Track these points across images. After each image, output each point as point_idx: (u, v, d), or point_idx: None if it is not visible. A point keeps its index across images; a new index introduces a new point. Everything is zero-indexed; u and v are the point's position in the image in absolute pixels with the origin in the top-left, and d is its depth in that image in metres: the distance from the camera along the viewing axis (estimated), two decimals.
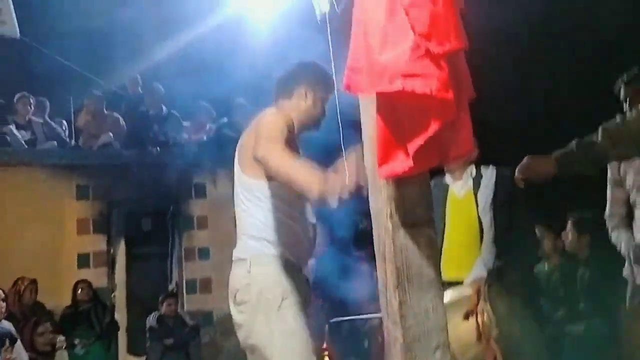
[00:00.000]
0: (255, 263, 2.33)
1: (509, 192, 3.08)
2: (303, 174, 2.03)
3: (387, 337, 1.90)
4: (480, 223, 3.13)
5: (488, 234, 3.06)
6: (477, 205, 3.17)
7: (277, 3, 2.35)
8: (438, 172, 3.27)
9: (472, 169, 3.28)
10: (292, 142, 2.34)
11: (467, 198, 3.23)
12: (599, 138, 2.18)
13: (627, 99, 2.97)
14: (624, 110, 2.95)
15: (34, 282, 5.47)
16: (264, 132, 2.23)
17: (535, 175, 2.76)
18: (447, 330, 1.84)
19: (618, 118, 2.27)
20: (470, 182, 3.24)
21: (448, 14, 1.72)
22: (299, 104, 2.44)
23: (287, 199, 2.36)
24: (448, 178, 3.31)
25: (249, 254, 2.34)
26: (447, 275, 3.13)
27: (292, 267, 2.36)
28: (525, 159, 2.83)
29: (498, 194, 3.14)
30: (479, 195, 3.18)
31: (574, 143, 2.28)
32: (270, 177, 2.28)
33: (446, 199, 3.27)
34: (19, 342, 4.03)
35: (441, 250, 3.19)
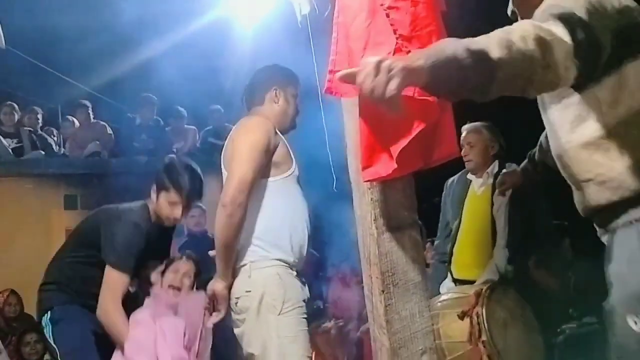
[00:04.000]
0: (255, 268, 2.31)
1: (529, 192, 2.86)
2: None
3: (374, 342, 1.88)
4: (494, 223, 2.98)
5: (501, 236, 2.94)
6: (493, 205, 3.01)
7: (258, 7, 2.34)
8: (461, 167, 3.14)
9: (495, 166, 3.10)
10: (276, 146, 2.33)
11: (484, 196, 3.09)
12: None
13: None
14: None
15: (14, 293, 5.39)
16: (237, 149, 2.29)
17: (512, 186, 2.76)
18: (433, 333, 1.83)
19: None
20: (490, 180, 3.08)
21: (429, 16, 1.72)
22: (273, 107, 2.45)
23: (284, 199, 2.35)
24: (471, 175, 3.18)
25: (248, 260, 2.33)
26: (458, 273, 3.09)
27: (290, 271, 2.35)
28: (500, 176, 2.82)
29: (515, 194, 2.89)
30: (495, 194, 3.00)
31: None
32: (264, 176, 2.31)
33: (466, 194, 3.15)
34: (4, 353, 3.99)
35: (453, 246, 3.13)
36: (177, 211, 2.69)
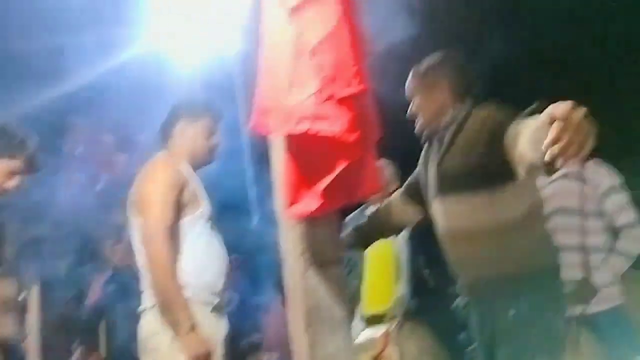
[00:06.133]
0: None
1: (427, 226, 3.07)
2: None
3: None
4: (399, 257, 3.09)
5: (405, 270, 3.03)
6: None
7: (185, 43, 2.34)
8: (362, 203, 3.19)
9: None
10: (185, 185, 2.29)
11: None
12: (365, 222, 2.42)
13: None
14: None
15: None
16: (146, 194, 2.23)
17: None
18: None
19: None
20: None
21: (352, 57, 1.77)
22: (183, 141, 2.41)
23: (195, 238, 2.31)
24: (371, 210, 3.29)
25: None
26: (367, 309, 3.14)
27: (205, 308, 2.30)
28: None
29: (415, 229, 2.92)
30: None
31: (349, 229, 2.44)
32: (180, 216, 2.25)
33: None
34: None
35: (360, 283, 3.18)
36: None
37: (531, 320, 1.91)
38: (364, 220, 2.49)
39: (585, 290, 2.76)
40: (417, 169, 2.31)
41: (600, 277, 2.77)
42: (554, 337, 1.94)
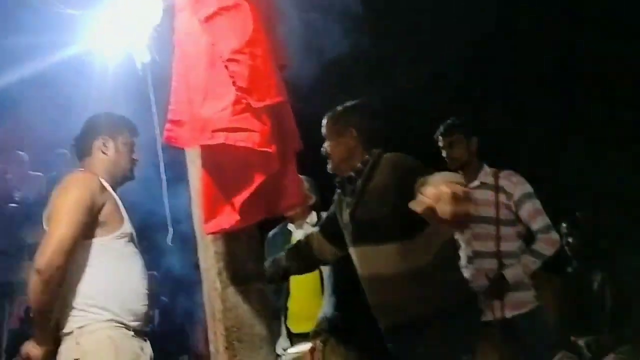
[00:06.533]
0: (84, 333, 2.12)
1: None
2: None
3: None
4: (322, 272, 3.11)
5: (330, 287, 3.00)
6: None
7: (102, 54, 2.22)
8: (282, 218, 3.21)
9: (313, 216, 3.24)
10: (103, 204, 2.20)
11: None
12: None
13: (444, 150, 3.17)
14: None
15: None
16: (56, 209, 2.12)
17: None
18: None
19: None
20: (310, 230, 3.12)
21: (267, 69, 1.74)
22: (101, 158, 2.32)
23: (115, 259, 2.20)
24: (291, 225, 3.32)
25: (75, 326, 2.14)
26: (295, 327, 3.10)
27: (126, 331, 2.19)
28: None
29: None
30: None
31: (268, 261, 2.53)
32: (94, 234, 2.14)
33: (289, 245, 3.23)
34: None
35: (287, 300, 3.15)
36: None
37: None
38: (281, 254, 2.54)
39: (500, 285, 2.89)
40: (332, 208, 2.43)
41: (512, 274, 2.91)
42: None
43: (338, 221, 2.34)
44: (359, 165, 2.23)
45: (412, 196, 1.86)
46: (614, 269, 3.62)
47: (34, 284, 2.04)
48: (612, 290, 3.57)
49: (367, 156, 2.23)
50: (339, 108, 2.35)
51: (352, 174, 2.23)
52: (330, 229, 2.40)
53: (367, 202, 2.17)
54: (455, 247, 2.99)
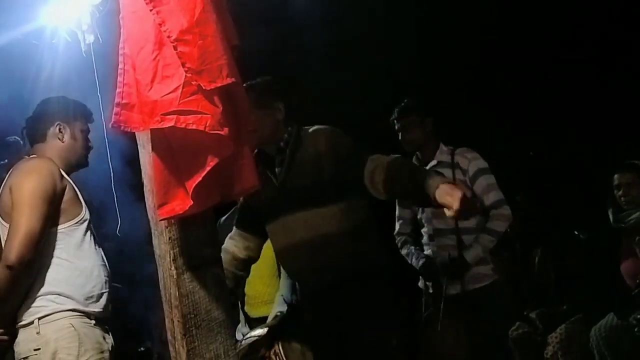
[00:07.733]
0: (45, 322, 2.09)
1: None
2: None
3: None
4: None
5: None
6: None
7: (50, 33, 2.12)
8: (234, 203, 3.19)
9: None
10: (63, 190, 2.13)
11: None
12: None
13: (400, 133, 3.17)
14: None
15: None
16: (18, 199, 2.06)
17: None
18: None
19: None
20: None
21: (219, 49, 1.69)
22: (57, 145, 2.24)
23: (75, 247, 2.15)
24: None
25: (35, 316, 2.09)
26: (253, 312, 3.09)
27: (87, 320, 2.15)
28: None
29: None
30: None
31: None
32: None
33: None
34: None
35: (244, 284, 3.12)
36: None
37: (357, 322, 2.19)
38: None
39: (459, 266, 2.99)
40: (240, 200, 2.46)
41: (471, 254, 2.99)
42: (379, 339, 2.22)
43: (250, 208, 2.40)
44: (285, 136, 2.30)
45: (344, 165, 2.15)
46: (555, 245, 3.79)
47: (2, 278, 1.99)
48: (553, 264, 3.75)
49: (289, 128, 2.32)
50: (261, 81, 2.35)
51: (282, 144, 2.30)
52: (245, 222, 2.46)
53: (301, 170, 2.25)
54: None
